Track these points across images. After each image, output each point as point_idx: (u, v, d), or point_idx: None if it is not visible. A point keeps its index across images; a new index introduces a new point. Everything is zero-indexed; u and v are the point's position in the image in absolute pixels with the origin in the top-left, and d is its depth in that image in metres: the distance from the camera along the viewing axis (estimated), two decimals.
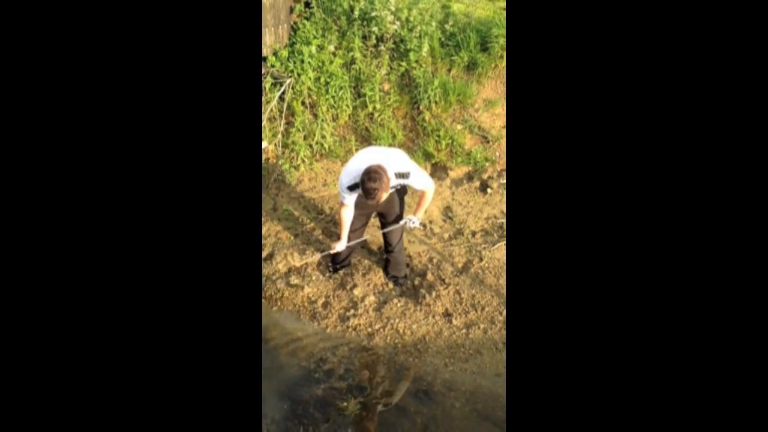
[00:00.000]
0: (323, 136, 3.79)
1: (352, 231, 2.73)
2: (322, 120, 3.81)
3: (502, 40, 3.74)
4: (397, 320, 2.62)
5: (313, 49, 3.81)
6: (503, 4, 4.41)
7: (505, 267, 2.89)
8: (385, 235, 2.78)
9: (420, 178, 2.52)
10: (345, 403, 2.22)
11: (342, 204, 2.58)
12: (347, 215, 2.61)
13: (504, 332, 2.55)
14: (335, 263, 2.91)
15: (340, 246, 2.68)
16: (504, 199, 3.39)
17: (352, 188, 2.44)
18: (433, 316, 2.64)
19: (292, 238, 3.19)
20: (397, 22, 3.84)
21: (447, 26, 3.97)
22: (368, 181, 2.28)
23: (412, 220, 2.66)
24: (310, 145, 3.81)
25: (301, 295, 2.77)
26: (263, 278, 2.89)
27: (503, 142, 3.69)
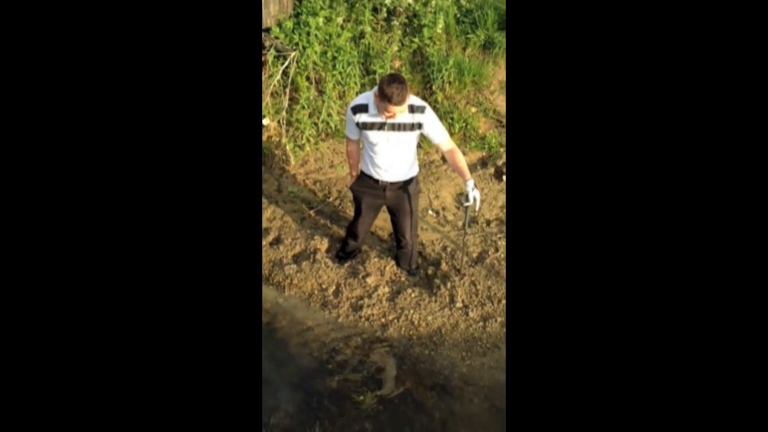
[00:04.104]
0: (329, 115, 3.62)
1: (363, 230, 2.65)
2: (329, 97, 3.63)
3: None
4: (411, 311, 2.53)
5: (320, 20, 3.60)
6: None
7: None
8: (396, 229, 2.66)
9: (436, 122, 2.33)
10: (361, 396, 2.14)
11: (348, 140, 2.51)
12: (353, 149, 2.55)
13: None
14: (344, 253, 2.79)
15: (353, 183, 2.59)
16: None
17: (356, 109, 2.28)
18: (449, 308, 2.56)
19: (299, 222, 3.05)
20: None
21: (463, 2, 3.80)
22: (390, 82, 2.09)
23: (471, 186, 2.29)
24: (315, 124, 3.63)
25: (310, 283, 2.66)
26: (270, 264, 2.77)
27: None
